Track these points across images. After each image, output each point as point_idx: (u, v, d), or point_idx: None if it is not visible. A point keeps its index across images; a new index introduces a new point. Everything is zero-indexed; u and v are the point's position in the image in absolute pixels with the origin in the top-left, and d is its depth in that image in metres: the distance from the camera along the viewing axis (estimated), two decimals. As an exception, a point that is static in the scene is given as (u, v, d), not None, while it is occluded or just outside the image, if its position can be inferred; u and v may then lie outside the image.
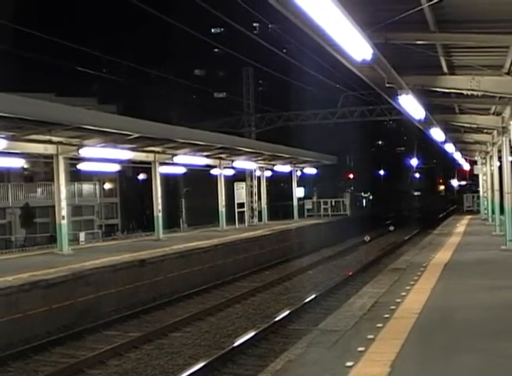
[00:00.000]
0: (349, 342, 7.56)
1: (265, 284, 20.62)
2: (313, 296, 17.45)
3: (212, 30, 71.08)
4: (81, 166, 25.65)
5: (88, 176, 40.43)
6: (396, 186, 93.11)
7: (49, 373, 11.10)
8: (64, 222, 21.09)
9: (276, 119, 43.79)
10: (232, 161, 32.25)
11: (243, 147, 29.25)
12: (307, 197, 47.14)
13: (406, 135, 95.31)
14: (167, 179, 37.37)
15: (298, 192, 43.34)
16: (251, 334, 13.13)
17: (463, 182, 79.93)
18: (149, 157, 26.13)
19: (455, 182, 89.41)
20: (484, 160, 34.05)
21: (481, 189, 37.83)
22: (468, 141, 30.53)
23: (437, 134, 22.78)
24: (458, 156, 38.52)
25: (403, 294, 10.67)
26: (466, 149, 35.75)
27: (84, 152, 20.47)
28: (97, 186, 43.44)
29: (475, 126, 23.19)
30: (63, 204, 21.12)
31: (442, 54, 12.32)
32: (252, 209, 38.23)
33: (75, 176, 37.02)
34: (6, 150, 18.81)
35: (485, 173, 33.41)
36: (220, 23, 58.37)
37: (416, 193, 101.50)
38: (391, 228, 42.94)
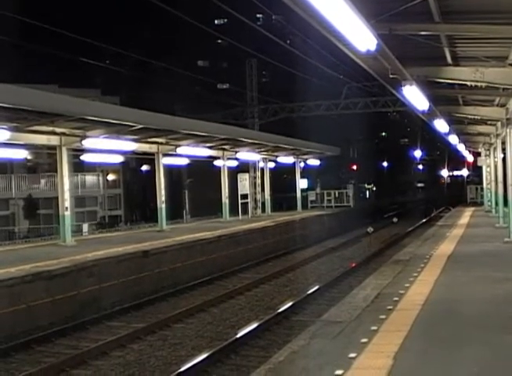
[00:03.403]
0: (352, 334, 7.56)
1: (268, 276, 20.62)
2: (316, 287, 17.46)
3: (216, 22, 70.78)
4: (85, 157, 25.66)
5: (92, 167, 40.53)
6: (399, 177, 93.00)
7: (52, 364, 11.12)
8: (67, 213, 21.10)
9: (280, 110, 43.69)
10: (236, 153, 32.21)
11: (247, 138, 29.18)
12: (310, 188, 47.07)
13: (410, 126, 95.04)
14: (170, 171, 37.40)
15: (302, 183, 43.30)
16: (254, 325, 13.15)
17: (457, 173, 78.61)
18: (153, 149, 26.12)
19: (445, 173, 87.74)
20: (487, 152, 33.97)
21: (484, 180, 37.74)
22: (472, 133, 30.45)
23: (440, 125, 22.73)
24: (462, 147, 38.45)
25: (406, 285, 10.66)
26: (470, 140, 35.66)
27: (87, 143, 20.43)
28: (100, 178, 43.51)
29: (479, 118, 23.14)
30: (67, 195, 21.12)
31: (446, 45, 12.26)
32: (255, 200, 38.18)
33: (78, 167, 37.10)
34: (9, 141, 18.83)
35: (489, 165, 33.33)
36: (223, 14, 58.08)
37: (419, 185, 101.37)
38: (395, 219, 42.82)
